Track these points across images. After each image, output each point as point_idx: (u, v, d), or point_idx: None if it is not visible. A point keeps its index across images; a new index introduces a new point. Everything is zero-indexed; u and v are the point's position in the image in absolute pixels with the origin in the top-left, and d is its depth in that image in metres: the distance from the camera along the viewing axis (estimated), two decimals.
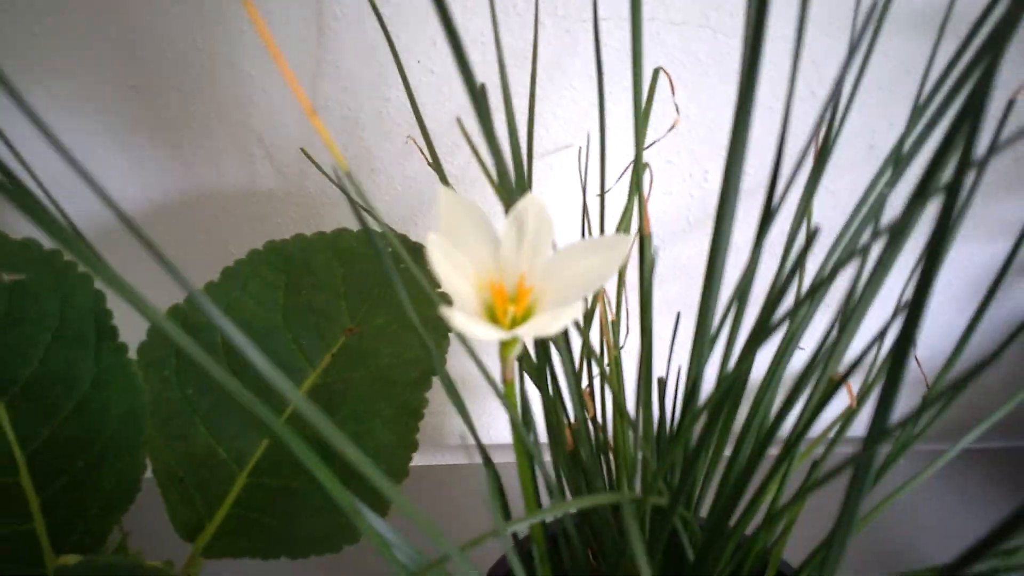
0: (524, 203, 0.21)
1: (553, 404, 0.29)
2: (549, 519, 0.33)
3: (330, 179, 0.43)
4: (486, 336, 0.19)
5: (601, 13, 0.42)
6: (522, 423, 0.26)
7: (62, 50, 0.43)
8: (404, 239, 0.41)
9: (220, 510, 0.35)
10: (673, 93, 0.41)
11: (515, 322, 0.21)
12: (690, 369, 0.24)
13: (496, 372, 0.54)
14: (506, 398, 0.24)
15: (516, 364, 0.25)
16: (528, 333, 0.20)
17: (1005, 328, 0.61)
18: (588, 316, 0.33)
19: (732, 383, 0.24)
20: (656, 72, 0.35)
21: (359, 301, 0.39)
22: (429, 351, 0.34)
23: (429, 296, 0.37)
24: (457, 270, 0.20)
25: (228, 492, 0.36)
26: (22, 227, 0.47)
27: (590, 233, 0.39)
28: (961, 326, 0.62)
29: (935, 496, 0.61)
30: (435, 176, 0.46)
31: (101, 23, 0.42)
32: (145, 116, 0.46)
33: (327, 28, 0.43)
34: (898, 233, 0.21)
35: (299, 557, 0.34)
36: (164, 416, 0.36)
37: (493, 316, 0.22)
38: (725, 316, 0.26)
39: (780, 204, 0.21)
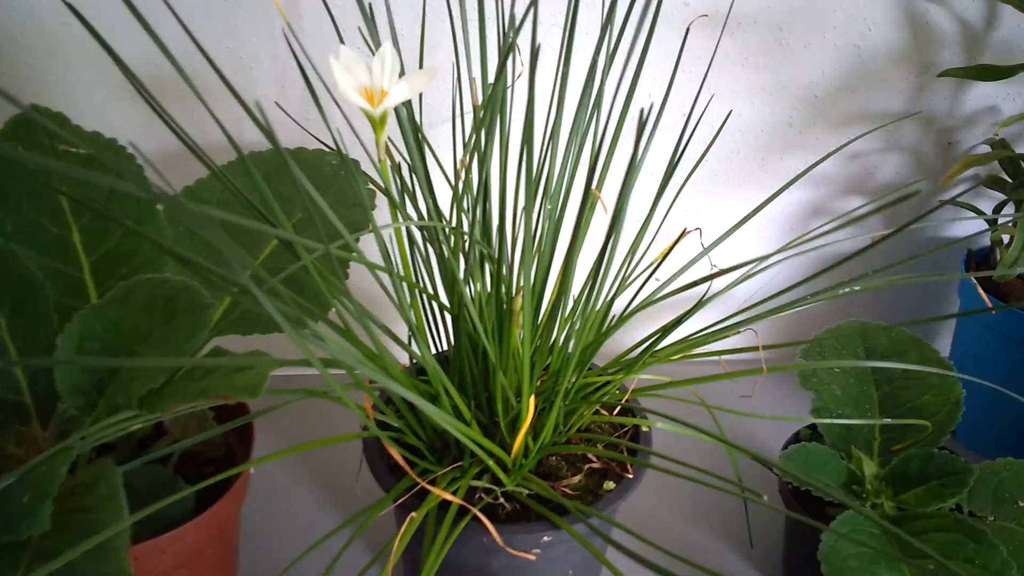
0: (383, 48, 0.40)
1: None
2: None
3: (296, 123, 0.62)
4: (359, 101, 0.38)
5: None
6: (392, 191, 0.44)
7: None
8: (343, 155, 0.60)
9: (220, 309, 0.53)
10: None
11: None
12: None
13: None
14: (380, 171, 0.43)
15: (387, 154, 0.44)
16: (385, 106, 0.39)
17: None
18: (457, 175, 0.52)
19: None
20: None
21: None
22: (365, 212, 0.53)
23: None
24: (346, 77, 0.40)
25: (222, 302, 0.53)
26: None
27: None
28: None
29: None
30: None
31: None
32: (164, 89, 0.66)
33: (295, 25, 0.64)
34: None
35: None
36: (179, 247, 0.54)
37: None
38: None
39: None
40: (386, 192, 0.44)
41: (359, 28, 0.48)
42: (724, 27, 0.66)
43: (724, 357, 0.51)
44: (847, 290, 0.51)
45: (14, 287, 0.46)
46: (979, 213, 0.69)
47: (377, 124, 0.41)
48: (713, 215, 0.76)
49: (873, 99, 0.71)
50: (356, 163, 0.59)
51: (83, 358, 0.42)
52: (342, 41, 0.50)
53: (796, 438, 0.60)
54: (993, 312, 0.62)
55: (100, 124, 0.67)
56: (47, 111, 0.52)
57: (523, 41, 0.59)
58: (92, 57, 0.66)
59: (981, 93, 0.72)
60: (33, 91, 0.66)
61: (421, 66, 0.53)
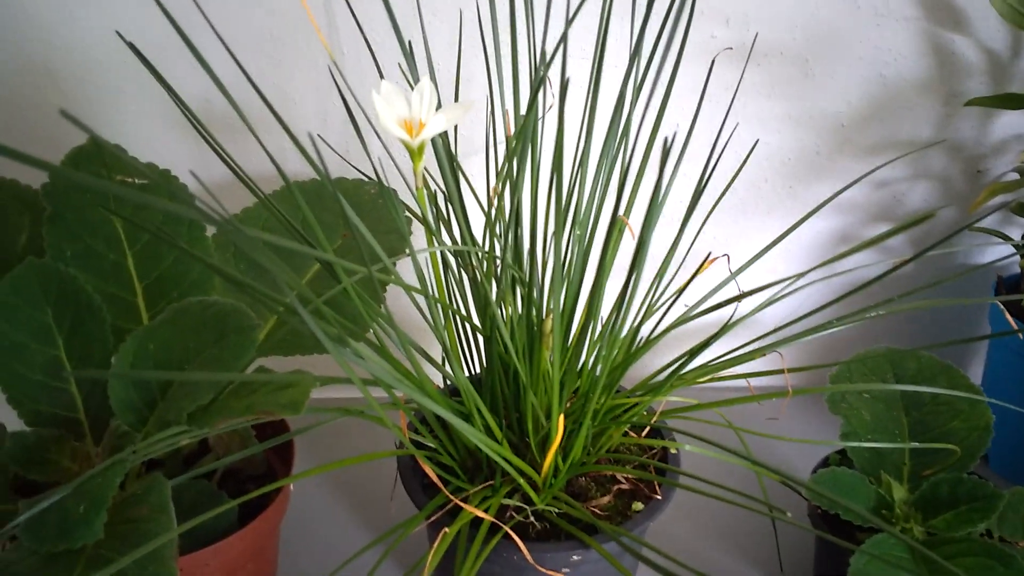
0: (422, 83, 0.43)
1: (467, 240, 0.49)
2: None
3: (336, 153, 0.65)
4: (398, 133, 0.41)
5: None
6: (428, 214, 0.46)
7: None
8: (381, 184, 0.62)
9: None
10: None
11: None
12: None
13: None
14: (417, 199, 0.45)
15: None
16: (423, 137, 0.41)
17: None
18: (490, 202, 0.54)
19: None
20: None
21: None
22: (402, 238, 0.55)
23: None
24: (387, 109, 0.42)
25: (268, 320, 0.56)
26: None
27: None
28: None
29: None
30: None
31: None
32: (210, 123, 0.69)
33: (336, 60, 0.67)
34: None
35: None
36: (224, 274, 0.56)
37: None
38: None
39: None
40: (422, 219, 0.46)
41: (399, 64, 0.50)
42: (748, 59, 0.68)
43: (751, 381, 0.52)
44: (873, 314, 0.52)
45: (72, 309, 0.48)
46: (1006, 239, 0.70)
47: (415, 154, 0.43)
48: (742, 243, 0.77)
49: (900, 128, 0.72)
50: (394, 192, 0.61)
51: (138, 371, 0.45)
52: (381, 76, 0.53)
53: (825, 463, 0.61)
54: (1022, 337, 0.62)
55: (150, 156, 0.71)
56: (105, 143, 0.55)
57: (554, 74, 0.62)
58: (144, 92, 0.69)
59: (1008, 121, 0.72)
60: (89, 124, 0.70)
61: (457, 99, 0.56)
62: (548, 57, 0.41)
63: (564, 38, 0.40)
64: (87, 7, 0.66)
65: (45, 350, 0.47)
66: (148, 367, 0.46)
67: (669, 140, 0.35)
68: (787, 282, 0.48)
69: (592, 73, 0.46)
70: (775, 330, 0.51)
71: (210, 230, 0.57)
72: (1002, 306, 0.59)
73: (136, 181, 0.54)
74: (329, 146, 0.64)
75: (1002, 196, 0.67)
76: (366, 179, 0.63)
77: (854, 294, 0.50)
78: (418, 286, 0.44)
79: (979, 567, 0.49)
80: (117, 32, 0.50)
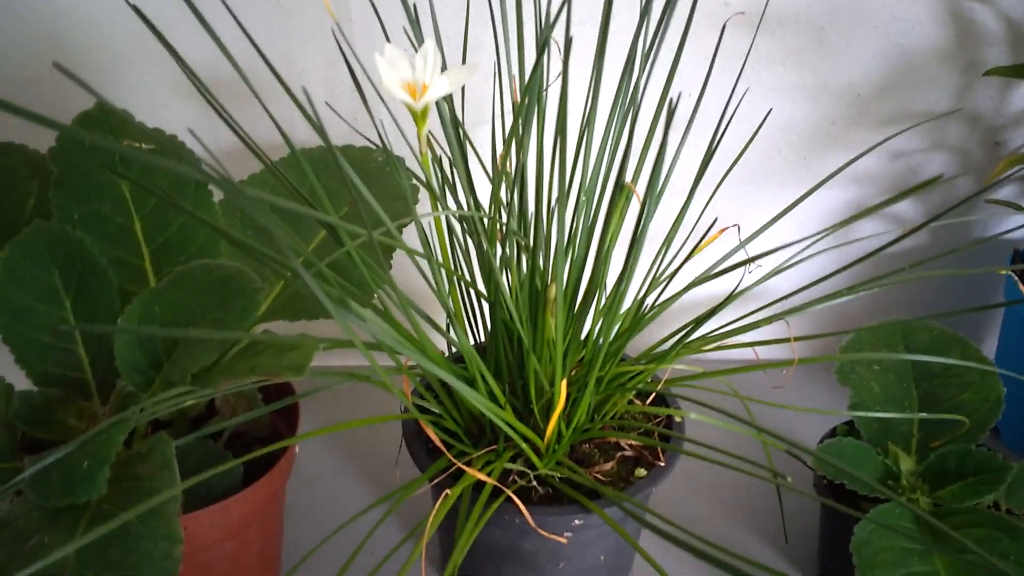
0: (426, 46, 0.42)
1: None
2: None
3: (344, 120, 0.65)
4: (401, 95, 0.40)
5: None
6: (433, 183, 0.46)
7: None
8: (388, 151, 0.62)
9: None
10: None
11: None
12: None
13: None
14: (421, 164, 0.44)
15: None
16: (426, 100, 0.41)
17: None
18: (496, 168, 0.53)
19: None
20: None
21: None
22: (408, 205, 0.55)
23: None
24: (390, 72, 0.41)
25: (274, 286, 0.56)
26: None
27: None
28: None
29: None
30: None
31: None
32: (217, 91, 0.69)
33: (345, 28, 0.67)
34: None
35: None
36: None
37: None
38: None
39: None
40: (427, 185, 0.45)
41: (404, 28, 0.50)
42: (760, 25, 0.67)
43: (759, 351, 0.52)
44: (885, 283, 0.51)
45: (79, 272, 0.48)
46: (1022, 211, 0.68)
47: (419, 118, 0.43)
48: (754, 215, 0.77)
49: (917, 98, 0.71)
50: (400, 159, 0.61)
51: (144, 327, 0.45)
52: (389, 42, 0.53)
53: (832, 435, 0.60)
54: None
55: (156, 124, 0.71)
56: (112, 108, 0.55)
57: (560, 37, 0.61)
58: (151, 60, 0.69)
59: None
60: (97, 90, 0.70)
61: (464, 64, 0.55)
62: (552, 19, 0.41)
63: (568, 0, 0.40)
64: None
65: (52, 311, 0.47)
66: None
67: (675, 100, 0.35)
68: (796, 246, 0.48)
69: (599, 37, 0.46)
70: (783, 298, 0.50)
71: (217, 196, 0.57)
72: (1016, 277, 0.58)
73: (143, 146, 0.54)
74: (336, 113, 0.64)
75: (1020, 167, 0.66)
76: (373, 147, 0.63)
77: (863, 262, 0.50)
78: (423, 252, 0.44)
79: (985, 538, 0.48)
80: None
